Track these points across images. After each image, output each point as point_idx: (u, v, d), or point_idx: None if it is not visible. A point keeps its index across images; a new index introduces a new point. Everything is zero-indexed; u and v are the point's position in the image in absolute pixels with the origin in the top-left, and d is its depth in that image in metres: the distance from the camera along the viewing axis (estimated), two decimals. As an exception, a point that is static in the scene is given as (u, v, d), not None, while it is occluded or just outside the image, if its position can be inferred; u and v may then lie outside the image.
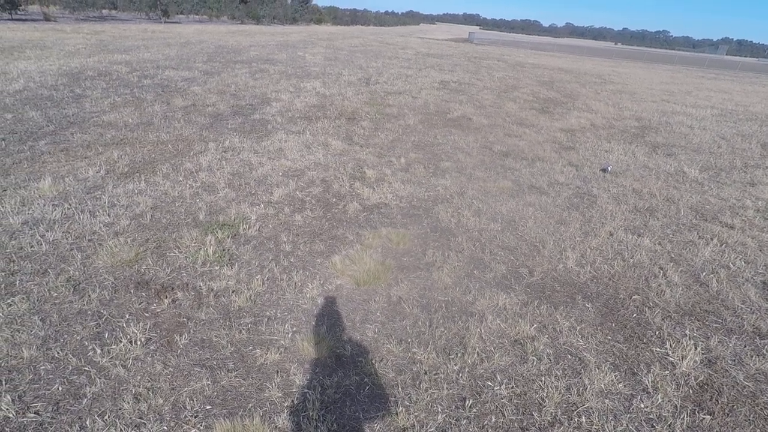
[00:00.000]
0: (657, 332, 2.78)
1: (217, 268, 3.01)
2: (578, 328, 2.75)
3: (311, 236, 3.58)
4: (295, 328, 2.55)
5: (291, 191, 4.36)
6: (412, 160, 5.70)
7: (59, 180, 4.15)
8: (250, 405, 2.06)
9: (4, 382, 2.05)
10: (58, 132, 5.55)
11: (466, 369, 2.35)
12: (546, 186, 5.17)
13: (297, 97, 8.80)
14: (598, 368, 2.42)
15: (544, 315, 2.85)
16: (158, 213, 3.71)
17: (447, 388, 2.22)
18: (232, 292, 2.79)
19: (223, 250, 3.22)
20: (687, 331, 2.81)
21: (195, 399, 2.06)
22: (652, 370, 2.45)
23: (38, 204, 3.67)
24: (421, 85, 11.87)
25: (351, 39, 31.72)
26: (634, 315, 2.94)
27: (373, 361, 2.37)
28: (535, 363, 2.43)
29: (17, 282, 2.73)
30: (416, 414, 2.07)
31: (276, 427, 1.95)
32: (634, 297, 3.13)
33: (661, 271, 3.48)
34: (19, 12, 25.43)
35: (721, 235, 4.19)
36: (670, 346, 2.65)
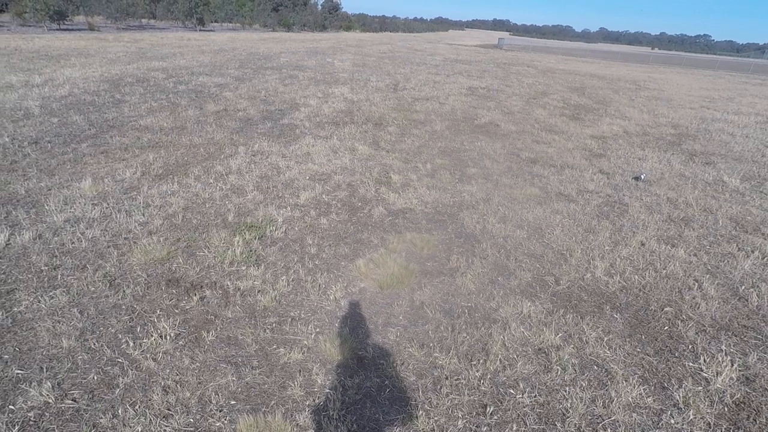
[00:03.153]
0: (690, 346, 2.68)
1: (244, 268, 3.11)
2: (605, 338, 2.68)
3: (336, 239, 3.64)
4: (318, 329, 2.59)
5: (317, 195, 4.44)
6: (438, 166, 5.70)
7: (99, 180, 4.37)
8: (273, 402, 2.11)
9: (45, 370, 2.18)
10: (99, 135, 5.84)
11: (488, 376, 2.34)
12: (575, 194, 5.07)
13: (325, 103, 8.96)
14: (626, 381, 2.36)
15: (570, 324, 2.79)
16: (189, 213, 3.85)
17: (468, 394, 2.21)
18: (258, 291, 2.87)
19: (251, 251, 3.32)
20: (723, 347, 2.70)
21: (220, 394, 2.13)
22: (684, 386, 2.36)
23: (79, 203, 3.88)
24: (449, 91, 11.86)
25: (379, 45, 32.05)
26: (666, 328, 2.85)
27: (395, 365, 2.39)
28: (559, 373, 2.39)
29: (59, 276, 2.89)
30: (436, 419, 2.07)
31: (297, 424, 1.99)
32: (666, 309, 3.03)
33: (696, 284, 3.36)
34: (66, 22, 26.93)
35: (763, 248, 4.00)
36: (704, 361, 2.55)
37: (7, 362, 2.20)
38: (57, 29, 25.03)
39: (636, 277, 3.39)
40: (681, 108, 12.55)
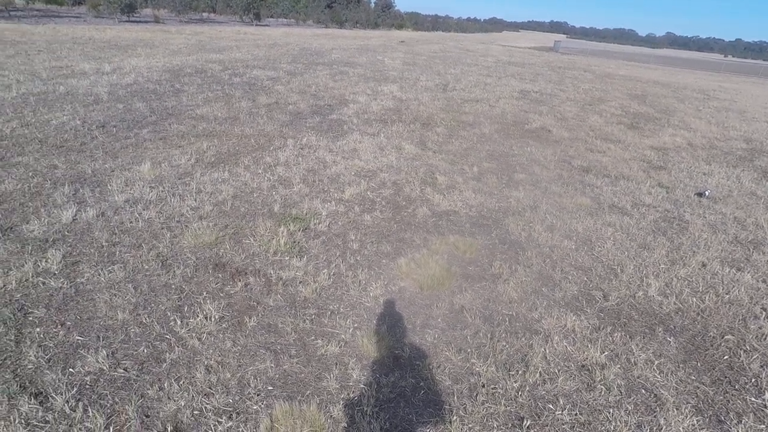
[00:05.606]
0: (753, 380, 2.49)
1: (287, 258, 3.19)
2: (656, 362, 2.54)
3: (379, 237, 3.66)
4: (356, 324, 2.63)
5: (362, 191, 4.49)
6: (485, 170, 5.60)
7: (157, 165, 4.63)
8: (308, 392, 2.16)
9: (101, 339, 2.34)
10: (159, 122, 6.19)
11: (527, 388, 2.28)
12: (629, 206, 4.83)
13: (374, 100, 9.03)
14: (677, 409, 2.22)
15: (618, 343, 2.67)
16: (238, 201, 4.00)
17: (505, 405, 2.16)
18: (300, 282, 2.94)
19: (294, 242, 3.41)
20: (791, 384, 2.48)
21: (258, 378, 2.20)
22: (743, 421, 2.20)
23: (138, 185, 4.13)
24: (500, 93, 11.63)
25: (430, 45, 31.91)
26: (726, 357, 2.66)
27: (431, 367, 2.38)
28: (603, 392, 2.29)
29: (117, 252, 3.09)
30: (470, 426, 2.04)
31: (331, 416, 2.03)
32: (726, 337, 2.82)
33: (764, 312, 3.11)
34: (135, 15, 28.72)
35: None
36: (769, 397, 2.36)
37: (69, 328, 2.38)
38: (126, 21, 26.74)
39: (694, 299, 3.18)
40: (756, 121, 11.64)
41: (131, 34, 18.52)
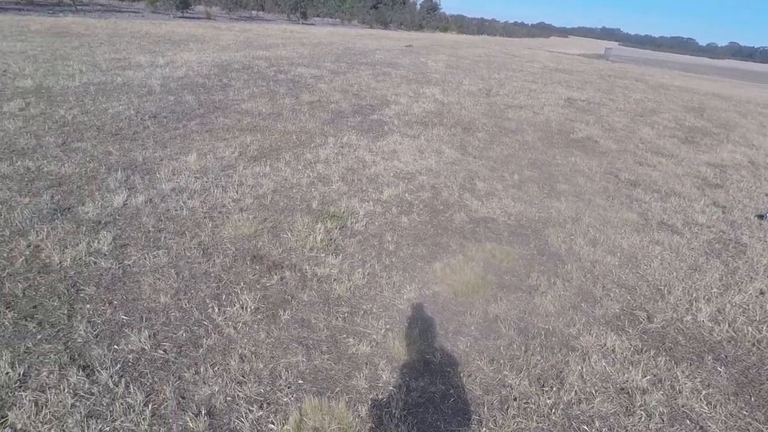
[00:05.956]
0: (813, 421, 2.31)
1: (323, 255, 3.24)
2: (704, 392, 2.40)
3: (415, 239, 3.66)
4: (388, 326, 2.63)
5: (400, 193, 4.50)
6: (526, 178, 5.49)
7: (202, 156, 4.81)
8: (338, 389, 2.18)
9: (144, 320, 2.45)
10: (206, 115, 6.44)
11: (561, 406, 2.21)
12: (680, 225, 4.60)
13: (415, 102, 9.03)
14: (726, 444, 2.09)
15: (661, 368, 2.54)
16: (277, 196, 4.10)
17: (537, 421, 2.11)
18: (334, 280, 2.98)
19: (330, 239, 3.45)
20: None
21: (290, 371, 2.25)
22: (800, 464, 2.04)
23: (184, 175, 4.30)
24: (545, 100, 11.35)
25: (475, 48, 31.59)
26: (783, 393, 2.48)
27: (462, 375, 2.35)
28: (643, 418, 2.19)
29: (162, 238, 3.24)
30: (500, 440, 2.00)
31: (359, 415, 2.04)
32: (784, 372, 2.63)
33: (828, 349, 2.88)
34: (188, 11, 30.02)
35: None
36: (831, 441, 2.18)
37: (116, 307, 2.51)
38: (180, 17, 27.98)
39: (750, 328, 2.99)
40: (827, 141, 10.80)
41: (184, 29, 19.36)
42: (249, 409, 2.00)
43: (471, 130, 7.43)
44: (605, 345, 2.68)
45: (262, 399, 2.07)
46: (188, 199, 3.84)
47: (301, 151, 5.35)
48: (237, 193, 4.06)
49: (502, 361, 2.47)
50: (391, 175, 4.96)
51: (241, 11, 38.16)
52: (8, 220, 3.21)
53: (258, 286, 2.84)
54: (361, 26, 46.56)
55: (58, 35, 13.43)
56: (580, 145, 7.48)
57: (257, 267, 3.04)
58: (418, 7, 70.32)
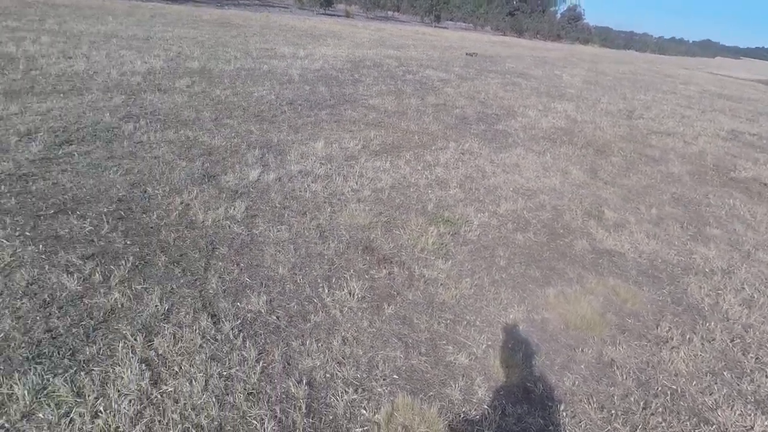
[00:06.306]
0: None
1: (432, 258, 3.29)
2: None
3: (528, 259, 3.52)
4: (490, 342, 2.58)
5: (518, 209, 4.36)
6: (667, 215, 4.93)
7: (329, 145, 5.19)
8: (431, 393, 2.20)
9: (263, 285, 2.73)
10: (336, 106, 6.92)
11: (684, 480, 1.95)
12: None
13: (544, 117, 8.66)
14: None
15: (828, 473, 2.10)
16: (394, 192, 4.25)
17: (651, 488, 1.90)
18: (441, 284, 3.00)
19: (442, 243, 3.48)
20: None
21: (386, 364, 2.32)
22: None
23: (311, 159, 4.68)
24: (701, 129, 10.05)
25: (619, 65, 29.19)
26: None
27: (564, 414, 2.20)
28: None
29: (285, 215, 3.57)
30: (603, 495, 1.84)
31: (450, 425, 2.04)
32: None
33: None
34: (330, 9, 32.53)
35: None
36: None
37: (241, 269, 2.84)
38: (323, 14, 30.44)
39: None
40: None
41: (325, 25, 21.01)
42: (345, 390, 2.12)
43: (604, 153, 6.90)
44: (752, 429, 2.30)
45: (357, 384, 2.18)
46: (312, 182, 4.18)
47: (422, 152, 5.47)
48: (356, 183, 4.30)
49: (613, 412, 2.26)
50: (511, 189, 4.83)
51: (378, 11, 40.21)
52: (169, 178, 3.82)
53: (366, 276, 2.99)
54: (493, 32, 45.92)
55: (222, 25, 15.51)
56: (742, 186, 6.49)
57: (367, 257, 3.19)
58: (559, 16, 67.05)
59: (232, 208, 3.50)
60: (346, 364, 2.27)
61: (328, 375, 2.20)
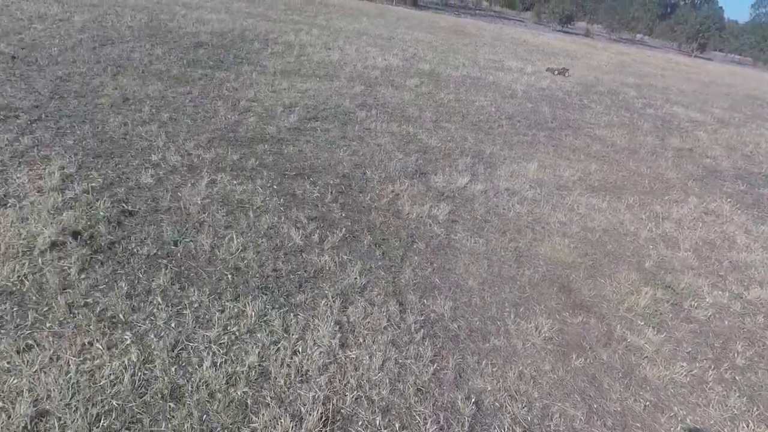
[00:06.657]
0: None
1: (640, 323, 2.88)
2: None
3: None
4: (700, 449, 2.14)
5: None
6: None
7: (542, 169, 5.01)
8: (611, 476, 1.94)
9: (451, 291, 2.81)
10: (556, 130, 6.62)
11: None
12: None
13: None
14: None
15: None
16: (606, 237, 3.87)
17: None
18: (646, 357, 2.61)
19: (656, 311, 3.02)
20: None
21: (562, 419, 2.14)
22: None
23: (520, 180, 4.60)
24: None
25: None
26: None
27: None
28: None
29: (485, 229, 3.60)
30: None
31: None
32: None
33: None
34: (568, 26, 31.19)
35: None
36: None
37: (434, 269, 2.98)
38: (559, 30, 29.40)
39: None
40: None
41: (559, 43, 20.27)
42: (512, 428, 2.04)
43: None
44: None
45: (526, 426, 2.07)
46: (518, 203, 4.10)
47: (650, 199, 4.82)
48: (565, 216, 4.05)
49: None
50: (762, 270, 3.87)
51: (624, 32, 36.77)
52: (386, 166, 4.25)
53: (558, 317, 2.80)
54: (778, 74, 37.23)
55: (456, 32, 16.42)
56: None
57: (563, 297, 2.99)
58: None
59: (437, 208, 3.69)
60: (519, 401, 2.18)
61: (497, 404, 2.15)
